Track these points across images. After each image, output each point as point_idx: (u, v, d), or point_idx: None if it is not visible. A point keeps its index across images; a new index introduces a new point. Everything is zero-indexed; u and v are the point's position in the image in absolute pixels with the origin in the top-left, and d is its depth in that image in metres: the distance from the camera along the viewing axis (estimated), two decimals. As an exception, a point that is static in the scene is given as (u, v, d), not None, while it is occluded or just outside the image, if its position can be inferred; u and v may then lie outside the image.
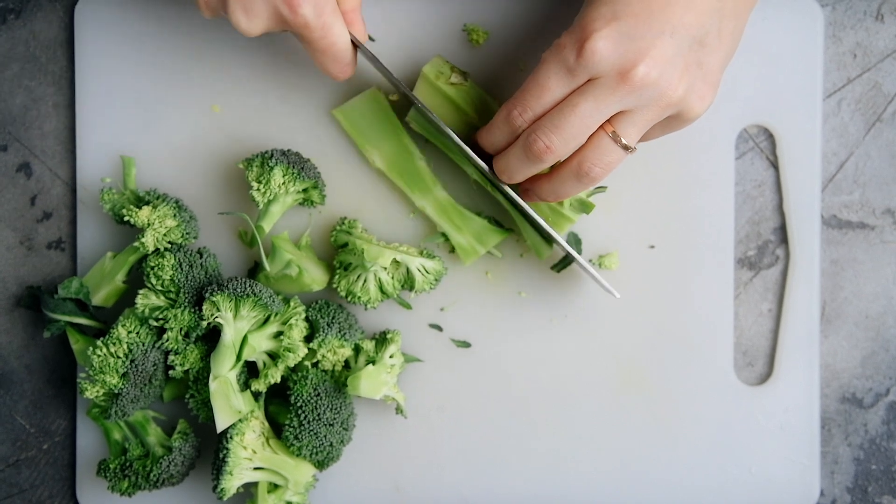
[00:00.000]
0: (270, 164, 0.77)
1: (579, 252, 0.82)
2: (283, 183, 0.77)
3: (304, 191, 0.80)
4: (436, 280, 0.80)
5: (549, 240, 0.80)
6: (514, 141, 0.71)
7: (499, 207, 0.82)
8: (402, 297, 0.83)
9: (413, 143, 0.81)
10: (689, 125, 0.71)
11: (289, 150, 0.79)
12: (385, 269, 0.79)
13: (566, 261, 0.82)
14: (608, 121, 0.68)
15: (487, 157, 0.75)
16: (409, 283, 0.79)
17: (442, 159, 0.82)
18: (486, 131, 0.73)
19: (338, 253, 0.80)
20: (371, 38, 0.81)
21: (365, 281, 0.79)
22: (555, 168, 0.72)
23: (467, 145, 0.76)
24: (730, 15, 0.67)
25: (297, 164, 0.78)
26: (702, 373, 0.82)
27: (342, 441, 0.79)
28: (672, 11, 0.65)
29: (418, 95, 0.78)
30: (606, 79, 0.66)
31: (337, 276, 0.80)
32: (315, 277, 0.80)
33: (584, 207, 0.77)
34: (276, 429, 0.80)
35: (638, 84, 0.65)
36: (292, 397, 0.78)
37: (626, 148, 0.68)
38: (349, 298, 0.79)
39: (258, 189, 0.78)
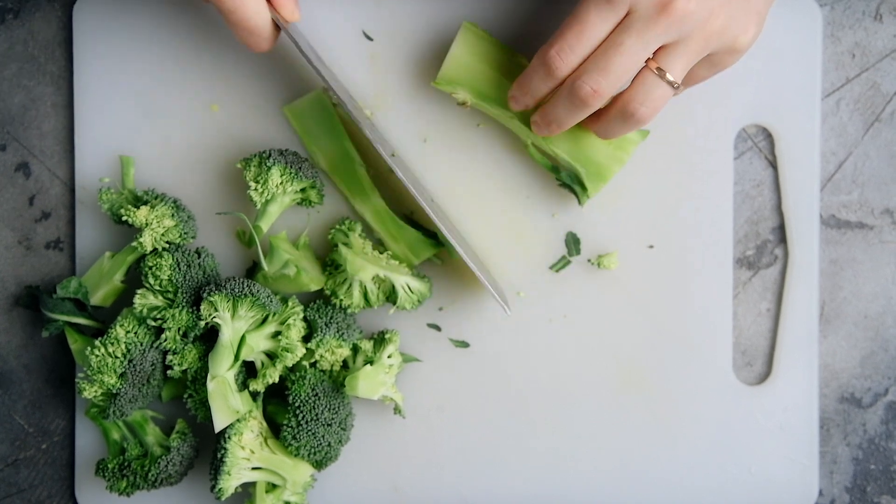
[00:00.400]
0: (268, 164, 0.77)
1: (578, 252, 0.82)
2: (281, 183, 0.77)
3: (302, 190, 0.80)
4: (418, 301, 0.80)
5: (583, 181, 0.78)
6: (552, 89, 0.70)
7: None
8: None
9: (354, 148, 0.81)
10: (738, 60, 0.69)
11: (286, 150, 0.79)
12: (372, 279, 0.79)
13: (565, 260, 0.82)
14: (652, 58, 0.67)
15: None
16: (392, 296, 0.79)
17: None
18: (523, 79, 0.71)
19: (332, 251, 0.81)
20: (368, 38, 0.81)
21: (350, 286, 0.79)
22: (600, 111, 0.71)
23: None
24: None
25: (295, 164, 0.78)
26: (701, 372, 0.82)
27: (340, 441, 0.79)
28: None
29: (461, 48, 0.77)
30: (646, 10, 0.65)
31: (326, 274, 0.80)
32: (313, 277, 0.80)
33: (642, 133, 0.77)
34: (275, 429, 0.80)
35: (679, 14, 0.64)
36: (290, 397, 0.78)
37: (671, 84, 0.67)
38: (333, 298, 0.79)
39: (256, 189, 0.78)
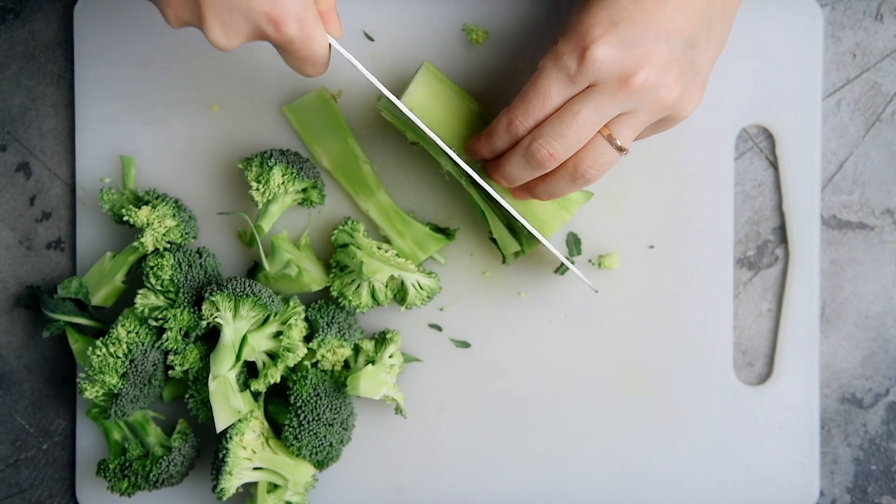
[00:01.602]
0: (269, 164, 0.77)
1: (578, 252, 0.82)
2: (283, 183, 0.77)
3: (304, 190, 0.80)
4: (428, 297, 0.80)
5: (518, 235, 0.79)
6: (512, 146, 0.71)
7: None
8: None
9: (358, 145, 0.81)
10: (679, 125, 0.72)
11: (288, 150, 0.79)
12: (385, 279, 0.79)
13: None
14: (605, 124, 0.69)
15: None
16: (401, 294, 0.80)
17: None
18: (486, 139, 0.72)
19: (336, 252, 0.81)
20: (369, 38, 0.81)
21: (358, 286, 0.79)
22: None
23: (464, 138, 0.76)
24: (718, 16, 0.68)
25: (297, 164, 0.78)
26: (701, 373, 0.82)
27: (342, 441, 0.79)
28: (666, 15, 0.66)
29: (419, 87, 0.77)
30: (607, 85, 0.66)
31: (332, 276, 0.80)
32: (314, 277, 0.80)
33: (585, 195, 0.78)
34: (276, 429, 0.80)
35: (638, 90, 0.66)
36: (292, 397, 0.78)
37: (620, 150, 0.69)
38: (340, 300, 0.79)
39: (257, 189, 0.78)
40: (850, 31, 0.82)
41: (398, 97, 0.75)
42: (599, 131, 0.68)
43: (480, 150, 0.73)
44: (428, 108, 0.76)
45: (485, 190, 0.76)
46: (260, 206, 0.78)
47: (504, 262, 0.80)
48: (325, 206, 0.82)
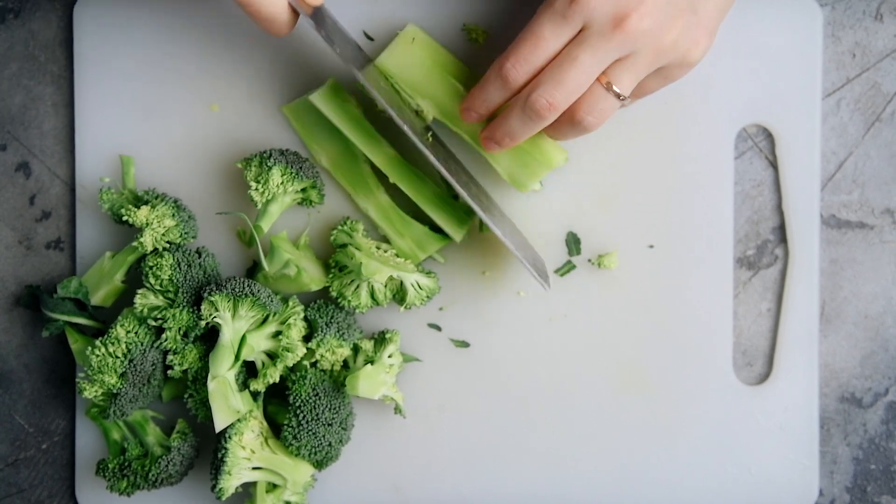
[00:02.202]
0: (269, 164, 0.77)
1: (578, 252, 0.82)
2: (282, 182, 0.77)
3: (303, 190, 0.80)
4: (427, 297, 0.80)
5: (466, 220, 0.79)
6: (506, 99, 0.71)
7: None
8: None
9: (357, 144, 0.81)
10: (688, 73, 0.71)
11: (287, 150, 0.79)
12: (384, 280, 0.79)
13: (570, 265, 0.82)
14: (603, 71, 0.68)
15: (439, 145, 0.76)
16: (400, 294, 0.80)
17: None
18: (477, 90, 0.72)
19: (335, 252, 0.81)
20: (369, 38, 0.81)
21: (357, 287, 0.79)
22: None
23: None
24: None
25: (296, 164, 0.78)
26: (701, 373, 0.82)
27: (341, 441, 0.79)
28: None
29: (401, 48, 0.77)
30: (601, 26, 0.66)
31: (331, 276, 0.80)
32: (313, 277, 0.80)
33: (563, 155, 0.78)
34: (275, 429, 0.80)
35: (632, 31, 0.66)
36: (291, 397, 0.78)
37: (618, 97, 0.69)
38: (340, 300, 0.79)
39: (257, 189, 0.78)
40: (849, 31, 0.82)
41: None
42: (598, 79, 0.68)
43: (474, 102, 0.73)
44: (408, 66, 0.76)
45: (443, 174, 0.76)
46: (259, 205, 0.78)
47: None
48: (324, 205, 0.82)
